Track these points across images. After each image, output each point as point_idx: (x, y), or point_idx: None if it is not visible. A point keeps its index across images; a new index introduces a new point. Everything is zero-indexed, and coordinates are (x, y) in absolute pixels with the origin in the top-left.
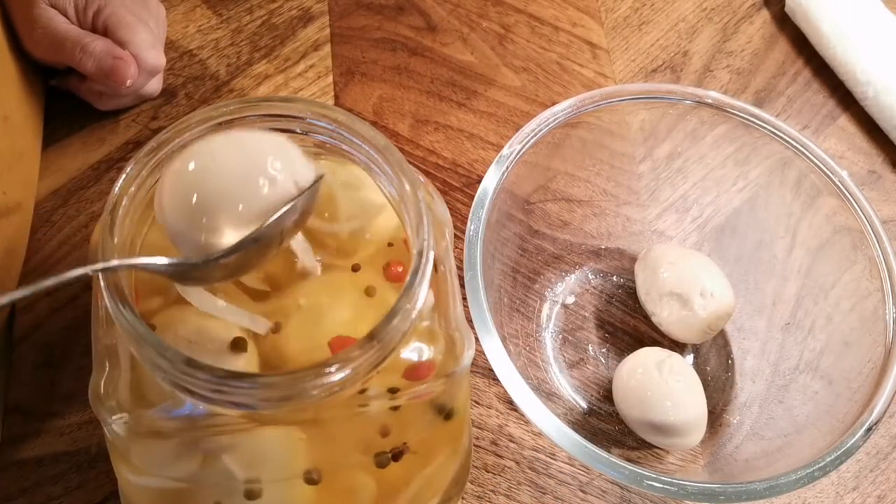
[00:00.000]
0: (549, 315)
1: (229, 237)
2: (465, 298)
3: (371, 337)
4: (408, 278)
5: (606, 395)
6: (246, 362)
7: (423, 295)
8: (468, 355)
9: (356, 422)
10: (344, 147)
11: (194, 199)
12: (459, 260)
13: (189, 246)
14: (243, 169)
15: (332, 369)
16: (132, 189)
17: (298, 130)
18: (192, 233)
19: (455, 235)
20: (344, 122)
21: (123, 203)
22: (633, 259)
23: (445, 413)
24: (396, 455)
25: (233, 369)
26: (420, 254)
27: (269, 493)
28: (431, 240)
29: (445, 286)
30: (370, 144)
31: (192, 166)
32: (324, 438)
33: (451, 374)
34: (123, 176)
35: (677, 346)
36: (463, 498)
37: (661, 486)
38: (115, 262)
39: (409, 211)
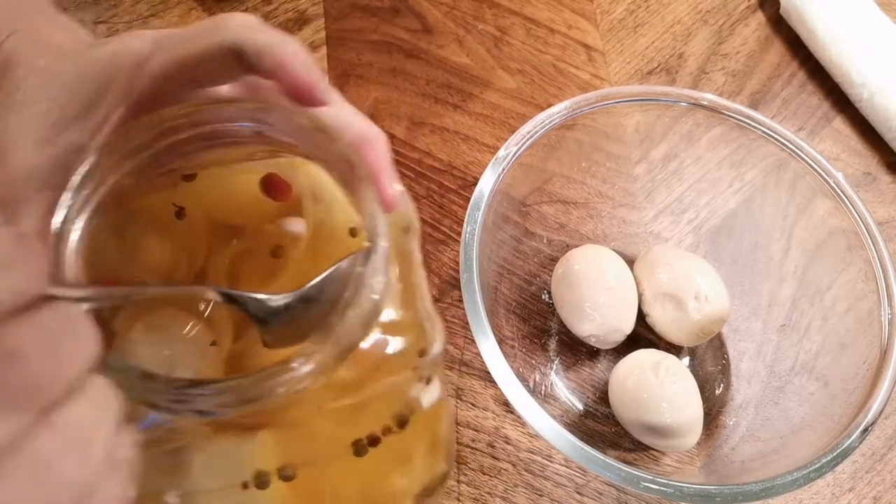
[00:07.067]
0: (545, 317)
1: None
2: (461, 300)
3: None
4: (365, 269)
5: (602, 396)
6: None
7: (380, 285)
8: (437, 344)
9: (326, 416)
10: (285, 139)
11: None
12: (455, 263)
13: None
14: None
15: (295, 365)
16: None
17: (252, 127)
18: None
19: (451, 237)
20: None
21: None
22: (630, 261)
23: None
24: (373, 441)
25: (191, 377)
26: (372, 243)
27: (246, 494)
28: (385, 227)
29: (411, 277)
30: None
31: None
32: (295, 436)
33: (418, 364)
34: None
35: (673, 348)
36: (459, 500)
37: (657, 487)
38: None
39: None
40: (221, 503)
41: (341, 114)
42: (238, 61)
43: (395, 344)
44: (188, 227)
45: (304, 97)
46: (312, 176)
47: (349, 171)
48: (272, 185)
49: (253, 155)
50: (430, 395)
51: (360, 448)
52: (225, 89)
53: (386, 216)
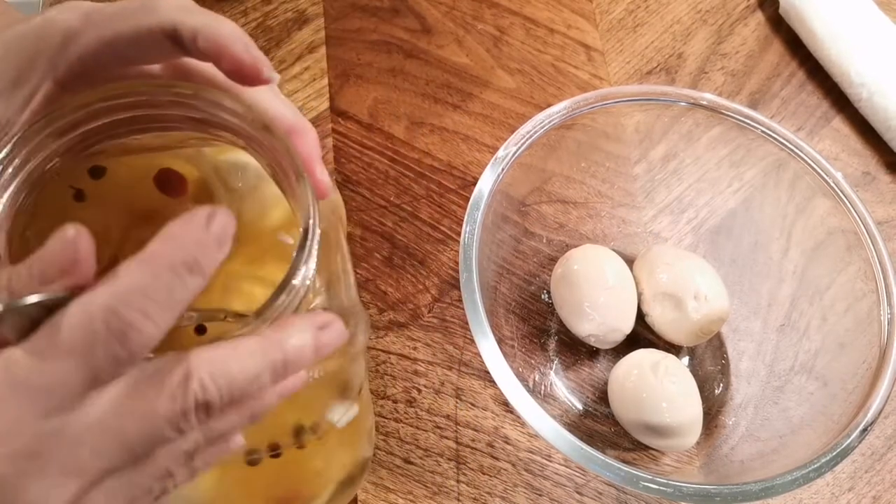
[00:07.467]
0: (545, 317)
1: None
2: (460, 300)
3: (258, 314)
4: (294, 255)
5: (602, 396)
6: None
7: (311, 272)
8: (361, 336)
9: None
10: (221, 129)
11: None
12: (454, 262)
13: None
14: None
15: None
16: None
17: (185, 113)
18: None
19: (450, 237)
20: (225, 104)
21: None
22: (629, 261)
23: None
24: (275, 454)
25: None
26: (306, 230)
27: None
28: (317, 215)
29: (336, 266)
30: (250, 123)
31: None
32: None
33: (343, 352)
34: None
35: (673, 348)
36: (459, 500)
37: (657, 487)
38: None
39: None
40: None
41: (273, 103)
42: (172, 43)
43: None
44: (95, 217)
45: (247, 76)
46: (238, 164)
47: (284, 160)
48: (168, 181)
49: (185, 141)
50: (349, 413)
51: (253, 460)
52: (156, 68)
53: (318, 205)
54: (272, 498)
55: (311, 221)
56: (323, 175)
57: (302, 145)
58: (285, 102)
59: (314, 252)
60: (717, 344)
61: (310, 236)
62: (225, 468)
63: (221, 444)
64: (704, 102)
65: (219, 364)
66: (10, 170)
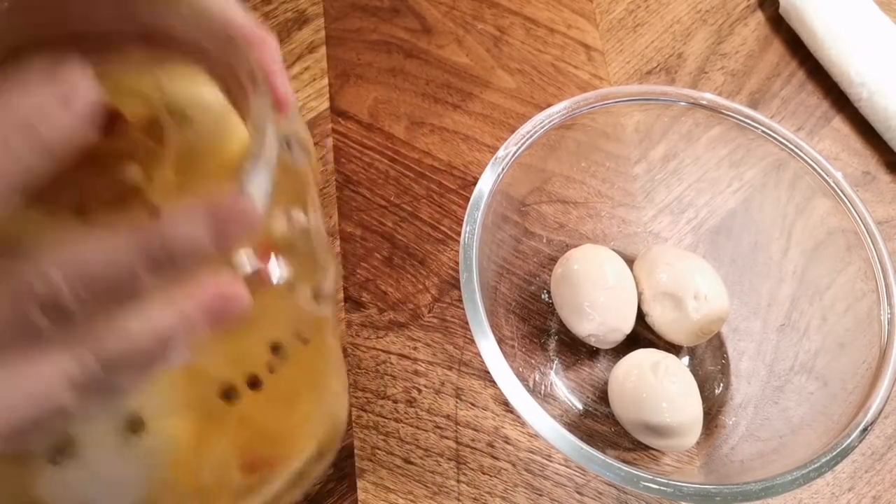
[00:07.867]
0: (545, 317)
1: None
2: (460, 300)
3: None
4: (246, 161)
5: (602, 396)
6: None
7: (266, 184)
8: (329, 275)
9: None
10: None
11: None
12: (454, 262)
13: None
14: None
15: None
16: None
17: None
18: None
19: (450, 237)
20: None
21: None
22: (629, 261)
23: (302, 340)
24: (254, 383)
25: None
26: (258, 130)
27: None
28: (273, 123)
29: (303, 199)
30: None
31: None
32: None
33: (306, 295)
34: None
35: (673, 348)
36: (459, 500)
37: (657, 487)
38: None
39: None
40: (108, 452)
41: (227, 6)
42: None
43: (281, 269)
44: None
45: None
46: (192, 95)
47: (240, 68)
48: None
49: (130, 69)
50: (320, 336)
51: (230, 393)
52: None
53: (277, 118)
54: (242, 453)
55: (263, 134)
56: (284, 87)
57: (261, 55)
58: (240, 8)
59: (267, 171)
60: (717, 344)
61: (260, 152)
62: (193, 415)
63: (138, 361)
64: (704, 102)
65: (72, 254)
66: None
